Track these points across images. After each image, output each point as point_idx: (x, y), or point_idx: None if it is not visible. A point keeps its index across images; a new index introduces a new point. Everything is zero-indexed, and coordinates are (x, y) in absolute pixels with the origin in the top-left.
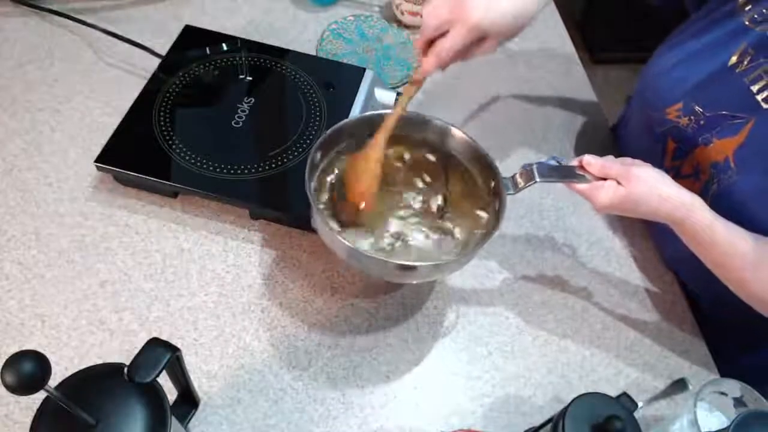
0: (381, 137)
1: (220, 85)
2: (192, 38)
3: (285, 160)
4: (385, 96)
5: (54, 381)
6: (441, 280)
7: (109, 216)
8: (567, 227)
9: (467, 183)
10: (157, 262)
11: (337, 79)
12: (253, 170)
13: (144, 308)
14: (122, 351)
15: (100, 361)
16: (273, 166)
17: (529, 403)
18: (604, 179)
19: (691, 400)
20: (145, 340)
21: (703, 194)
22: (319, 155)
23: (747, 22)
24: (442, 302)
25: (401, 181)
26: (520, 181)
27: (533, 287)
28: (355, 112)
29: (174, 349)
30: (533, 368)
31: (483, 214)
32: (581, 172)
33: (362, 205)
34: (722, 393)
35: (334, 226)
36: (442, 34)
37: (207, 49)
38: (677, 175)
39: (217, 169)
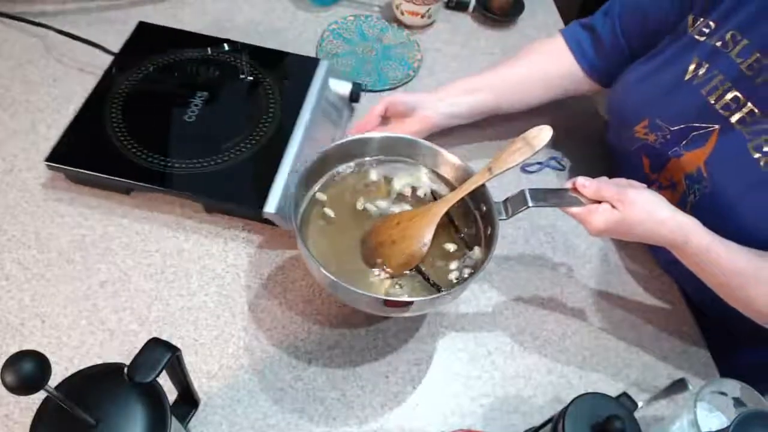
0: (438, 212)
1: (174, 81)
2: (146, 35)
3: (238, 152)
4: (340, 86)
5: (54, 381)
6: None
7: (109, 216)
8: (566, 228)
9: (458, 208)
10: (157, 262)
11: (290, 71)
12: (205, 164)
13: (144, 308)
14: (122, 351)
15: (100, 361)
16: (226, 159)
17: (529, 403)
18: (599, 202)
19: (691, 400)
20: (145, 340)
21: (681, 205)
22: (303, 187)
23: (696, 36)
24: None
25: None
26: (512, 206)
27: (533, 287)
28: (310, 102)
29: (174, 349)
30: (533, 368)
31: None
32: (575, 195)
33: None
34: (722, 393)
35: (312, 249)
36: None
37: (161, 45)
38: (659, 188)
39: (169, 164)
